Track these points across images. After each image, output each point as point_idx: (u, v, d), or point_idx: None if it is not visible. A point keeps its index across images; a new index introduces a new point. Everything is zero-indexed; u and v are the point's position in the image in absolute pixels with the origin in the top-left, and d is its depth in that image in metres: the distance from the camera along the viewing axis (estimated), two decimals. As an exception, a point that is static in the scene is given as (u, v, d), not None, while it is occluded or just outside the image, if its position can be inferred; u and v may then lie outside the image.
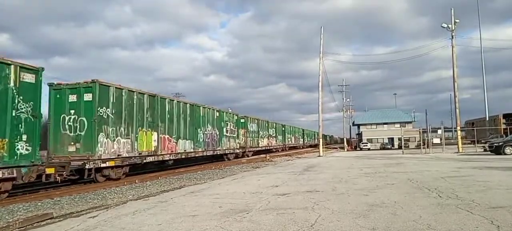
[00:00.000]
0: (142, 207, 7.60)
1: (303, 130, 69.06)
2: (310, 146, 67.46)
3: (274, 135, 44.60)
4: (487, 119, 43.42)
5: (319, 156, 32.06)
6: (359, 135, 66.78)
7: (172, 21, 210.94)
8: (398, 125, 58.74)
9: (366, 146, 55.58)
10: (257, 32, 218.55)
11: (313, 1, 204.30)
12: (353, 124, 68.78)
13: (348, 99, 62.46)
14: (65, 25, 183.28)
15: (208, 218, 6.01)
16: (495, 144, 23.98)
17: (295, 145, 58.89)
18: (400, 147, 40.59)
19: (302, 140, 65.85)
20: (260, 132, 38.35)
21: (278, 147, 46.20)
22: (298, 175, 13.34)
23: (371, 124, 63.48)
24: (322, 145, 35.35)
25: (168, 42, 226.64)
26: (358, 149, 56.73)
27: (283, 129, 50.90)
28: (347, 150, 52.58)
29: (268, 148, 41.40)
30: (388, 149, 52.18)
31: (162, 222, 5.88)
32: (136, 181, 13.68)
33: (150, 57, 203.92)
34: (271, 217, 5.84)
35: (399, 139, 46.05)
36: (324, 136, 55.00)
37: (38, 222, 6.51)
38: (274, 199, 7.79)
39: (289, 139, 54.37)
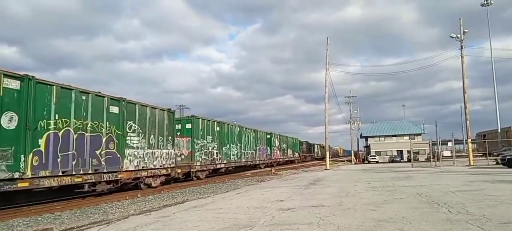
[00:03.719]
0: (143, 222, 7.44)
1: (314, 144, 74.55)
2: (316, 159, 67.39)
3: (292, 148, 50.74)
4: (499, 130, 42.56)
5: (326, 169, 31.59)
6: (367, 147, 65.95)
7: (181, 34, 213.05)
8: (407, 137, 57.86)
9: (375, 158, 54.73)
10: (265, 43, 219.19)
11: (322, 13, 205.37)
12: (361, 136, 67.98)
13: (355, 111, 62.00)
14: (74, 39, 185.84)
15: (208, 234, 5.81)
16: (507, 157, 23.33)
17: (310, 155, 65.15)
18: (409, 160, 39.86)
19: (313, 152, 71.85)
20: (283, 146, 44.26)
21: (294, 158, 51.16)
22: (303, 189, 13.07)
23: (379, 136, 62.51)
24: (329, 158, 34.91)
25: (176, 54, 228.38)
26: (366, 161, 55.95)
27: (299, 142, 56.44)
28: (355, 163, 51.84)
29: (288, 159, 46.64)
30: (397, 162, 51.26)
31: (160, 239, 5.71)
32: (138, 195, 13.50)
33: (157, 69, 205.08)
34: (273, 234, 5.62)
35: (408, 152, 45.23)
36: (323, 148, 57.92)
37: (35, 237, 6.38)
38: (278, 214, 7.57)
39: (303, 152, 59.97)
